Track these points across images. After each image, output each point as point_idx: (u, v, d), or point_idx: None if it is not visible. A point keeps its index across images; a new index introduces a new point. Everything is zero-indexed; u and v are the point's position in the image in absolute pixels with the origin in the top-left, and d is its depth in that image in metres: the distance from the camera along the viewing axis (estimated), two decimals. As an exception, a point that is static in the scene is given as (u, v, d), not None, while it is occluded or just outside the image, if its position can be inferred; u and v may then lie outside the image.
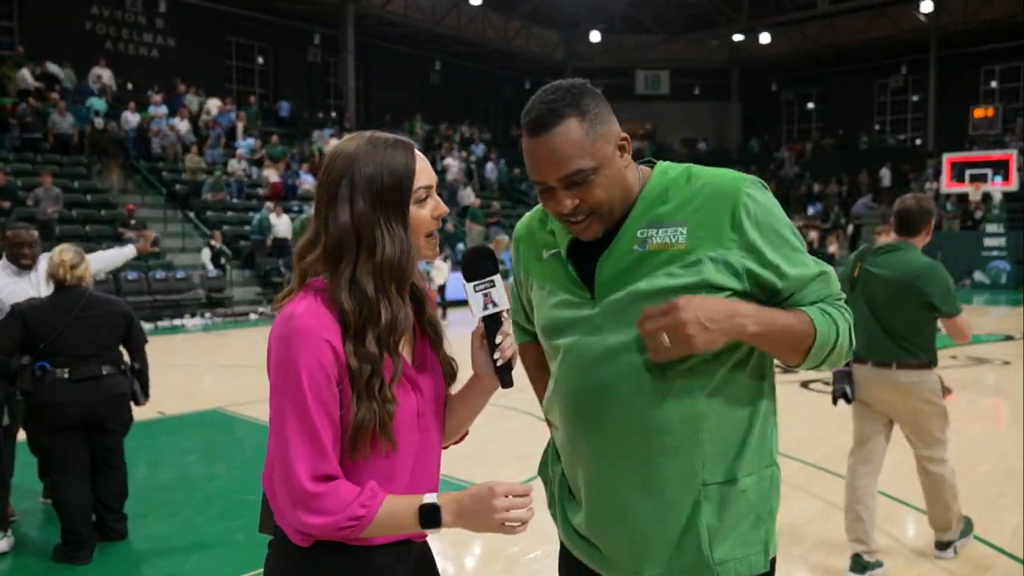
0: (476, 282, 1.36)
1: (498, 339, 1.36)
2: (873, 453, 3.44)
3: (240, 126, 19.21)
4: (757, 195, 1.36)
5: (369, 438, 1.25)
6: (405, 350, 1.35)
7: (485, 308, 1.36)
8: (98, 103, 17.08)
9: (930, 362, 3.29)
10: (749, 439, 1.40)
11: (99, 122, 16.41)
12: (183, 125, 17.96)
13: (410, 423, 1.31)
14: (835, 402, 3.48)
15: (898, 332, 3.26)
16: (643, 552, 1.40)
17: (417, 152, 1.32)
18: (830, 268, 1.42)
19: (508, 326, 1.38)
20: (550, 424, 1.56)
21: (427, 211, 1.32)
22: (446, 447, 1.50)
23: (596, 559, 1.48)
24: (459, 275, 15.70)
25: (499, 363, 1.37)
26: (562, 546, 1.59)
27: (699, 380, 1.36)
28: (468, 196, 20.93)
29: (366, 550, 1.31)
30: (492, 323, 1.37)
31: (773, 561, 1.44)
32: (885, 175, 23.88)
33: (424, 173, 1.31)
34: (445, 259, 15.38)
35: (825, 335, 1.35)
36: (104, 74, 18.34)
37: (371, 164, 1.27)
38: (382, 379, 1.25)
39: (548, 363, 1.53)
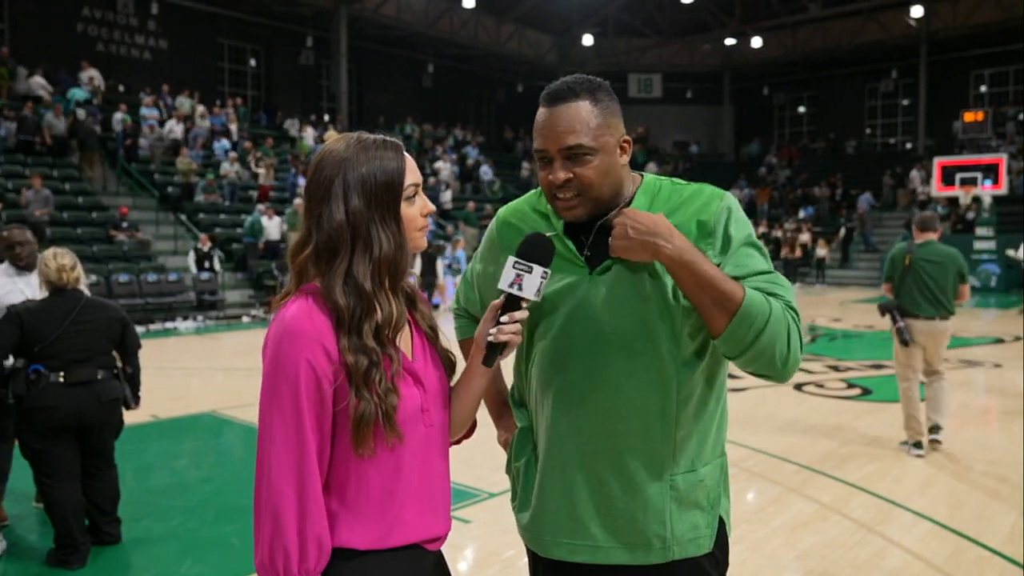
0: (519, 260, 1.38)
1: (504, 318, 1.38)
2: (916, 372, 5.33)
3: (232, 128, 19.14)
4: (732, 206, 1.50)
5: (373, 431, 1.26)
6: (404, 345, 1.37)
7: (511, 286, 1.38)
8: (79, 93, 16.96)
9: (952, 315, 5.24)
10: (710, 433, 1.52)
11: (81, 113, 16.25)
12: (177, 127, 17.87)
13: (415, 417, 1.33)
14: (905, 344, 5.25)
15: (940, 296, 5.16)
16: (607, 527, 1.47)
17: (405, 152, 1.37)
18: (785, 280, 1.48)
19: (521, 314, 1.39)
20: (512, 407, 1.64)
21: (416, 209, 1.37)
22: (457, 442, 1.52)
23: (552, 539, 1.51)
24: (450, 281, 15.63)
25: (489, 339, 1.38)
26: (528, 549, 1.61)
27: (678, 372, 1.45)
28: (448, 200, 20.77)
29: (379, 555, 1.30)
30: (510, 303, 1.39)
31: (720, 542, 1.53)
32: (914, 177, 24.05)
33: (412, 172, 1.36)
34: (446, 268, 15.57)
35: (753, 305, 1.36)
36: (95, 75, 18.26)
37: (363, 164, 1.31)
38: (382, 372, 1.27)
39: (525, 348, 1.57)
